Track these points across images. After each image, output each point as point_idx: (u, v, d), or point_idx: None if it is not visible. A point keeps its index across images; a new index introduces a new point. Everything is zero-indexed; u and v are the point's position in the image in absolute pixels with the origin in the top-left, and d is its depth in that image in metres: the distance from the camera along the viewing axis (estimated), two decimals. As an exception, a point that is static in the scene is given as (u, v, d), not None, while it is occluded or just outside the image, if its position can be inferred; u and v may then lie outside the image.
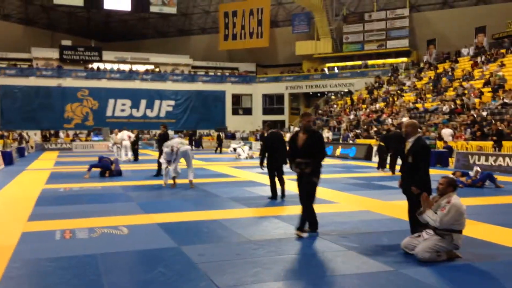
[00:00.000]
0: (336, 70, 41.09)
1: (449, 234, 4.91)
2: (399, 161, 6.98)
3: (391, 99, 29.57)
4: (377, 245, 5.57)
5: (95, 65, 40.87)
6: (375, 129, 24.83)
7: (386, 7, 39.49)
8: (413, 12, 38.41)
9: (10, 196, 9.85)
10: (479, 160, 15.52)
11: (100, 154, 16.00)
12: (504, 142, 16.62)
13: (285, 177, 9.14)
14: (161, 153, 11.74)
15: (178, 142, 11.00)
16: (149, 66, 42.56)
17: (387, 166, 14.82)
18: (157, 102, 39.38)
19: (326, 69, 41.37)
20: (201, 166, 17.18)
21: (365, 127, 26.31)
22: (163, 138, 12.76)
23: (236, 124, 40.32)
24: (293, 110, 41.98)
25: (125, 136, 19.79)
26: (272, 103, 42.58)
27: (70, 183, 11.68)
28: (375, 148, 18.96)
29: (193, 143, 31.04)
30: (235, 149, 23.74)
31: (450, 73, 28.95)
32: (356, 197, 9.54)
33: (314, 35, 40.97)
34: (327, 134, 26.07)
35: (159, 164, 12.64)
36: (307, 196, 5.96)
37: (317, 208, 6.35)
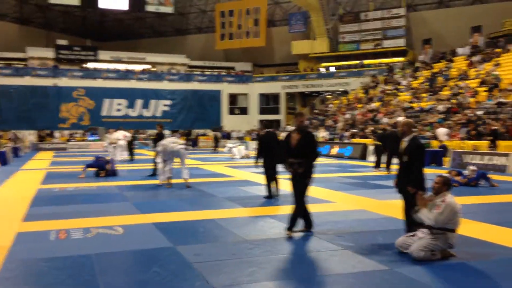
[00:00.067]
0: (332, 70, 41.11)
1: (443, 233, 4.94)
2: (396, 160, 6.99)
3: (386, 98, 29.61)
4: (373, 244, 5.59)
5: (90, 65, 40.72)
6: (371, 128, 24.84)
7: (382, 6, 39.60)
8: (409, 11, 38.54)
9: (5, 197, 9.80)
10: (474, 159, 15.62)
11: (96, 154, 15.96)
12: (498, 142, 16.69)
13: (279, 176, 9.14)
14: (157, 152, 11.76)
15: (171, 141, 11.02)
16: (145, 66, 42.47)
17: (383, 165, 14.84)
18: (153, 102, 39.24)
19: (322, 69, 41.39)
20: (196, 165, 17.18)
21: (361, 126, 26.34)
22: (159, 137, 12.75)
23: (232, 123, 40.25)
24: (289, 110, 41.98)
25: (121, 136, 19.74)
26: (268, 102, 42.53)
27: (65, 183, 11.64)
28: (371, 148, 18.98)
29: (191, 143, 31.06)
30: (230, 149, 23.72)
31: (445, 73, 29.03)
32: (352, 196, 9.56)
33: (310, 35, 41.01)
34: (323, 133, 26.09)
35: (155, 164, 12.66)
36: (299, 195, 5.96)
37: (313, 208, 6.35)
